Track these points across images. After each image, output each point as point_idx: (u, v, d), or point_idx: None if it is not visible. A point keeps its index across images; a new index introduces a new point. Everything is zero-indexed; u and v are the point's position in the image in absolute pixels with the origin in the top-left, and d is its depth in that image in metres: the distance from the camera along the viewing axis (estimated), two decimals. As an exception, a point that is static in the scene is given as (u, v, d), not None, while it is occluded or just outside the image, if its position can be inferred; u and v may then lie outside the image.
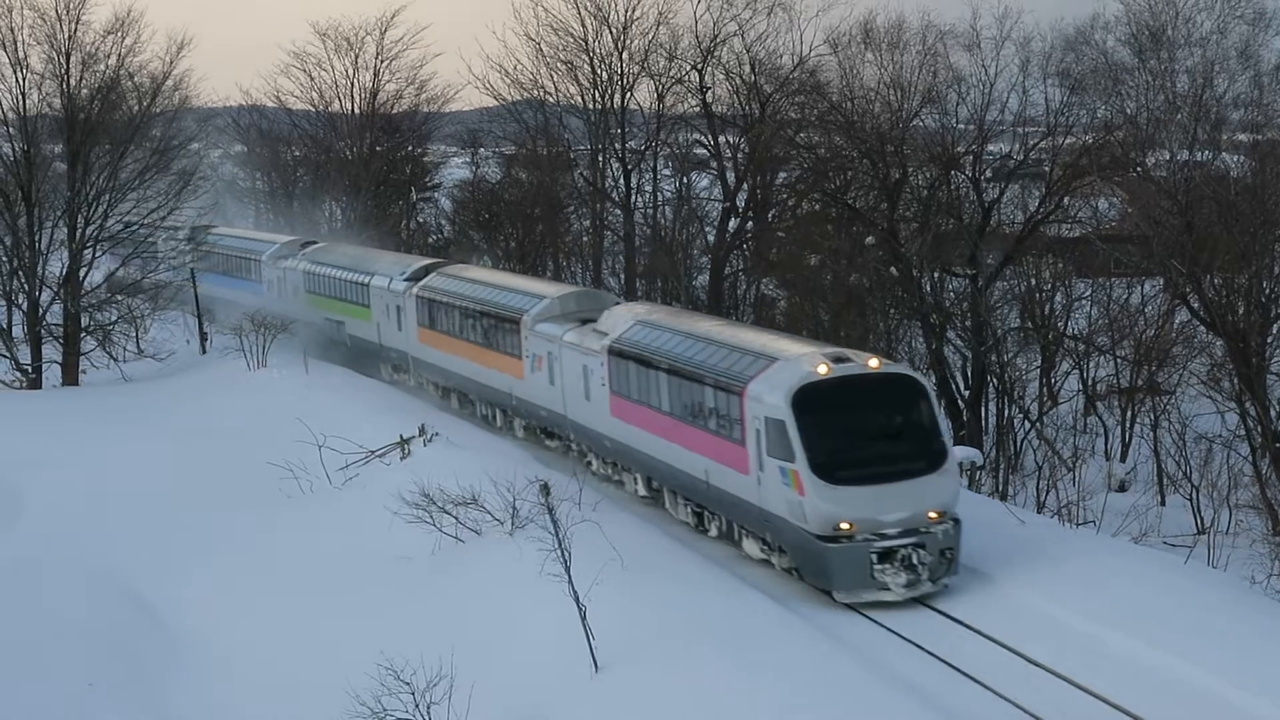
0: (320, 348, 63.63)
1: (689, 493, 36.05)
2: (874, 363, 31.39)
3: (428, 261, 58.91)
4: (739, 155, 71.71)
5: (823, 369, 30.61)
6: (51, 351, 67.91)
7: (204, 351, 70.82)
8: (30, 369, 66.65)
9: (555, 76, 79.06)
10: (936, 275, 59.60)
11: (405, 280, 56.38)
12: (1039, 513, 42.28)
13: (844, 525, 29.62)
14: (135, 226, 70.52)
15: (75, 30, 69.11)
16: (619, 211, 76.74)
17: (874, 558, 29.62)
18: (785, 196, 72.09)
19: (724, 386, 32.92)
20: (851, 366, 31.00)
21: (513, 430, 48.30)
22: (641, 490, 39.26)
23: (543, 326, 44.25)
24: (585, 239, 79.98)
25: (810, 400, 30.18)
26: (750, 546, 33.46)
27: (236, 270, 76.05)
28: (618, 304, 45.29)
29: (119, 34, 70.84)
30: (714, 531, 35.35)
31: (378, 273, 59.30)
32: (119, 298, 69.19)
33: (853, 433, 30.80)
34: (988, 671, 26.58)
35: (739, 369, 32.70)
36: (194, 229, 74.75)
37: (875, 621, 29.72)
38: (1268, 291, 50.85)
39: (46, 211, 67.78)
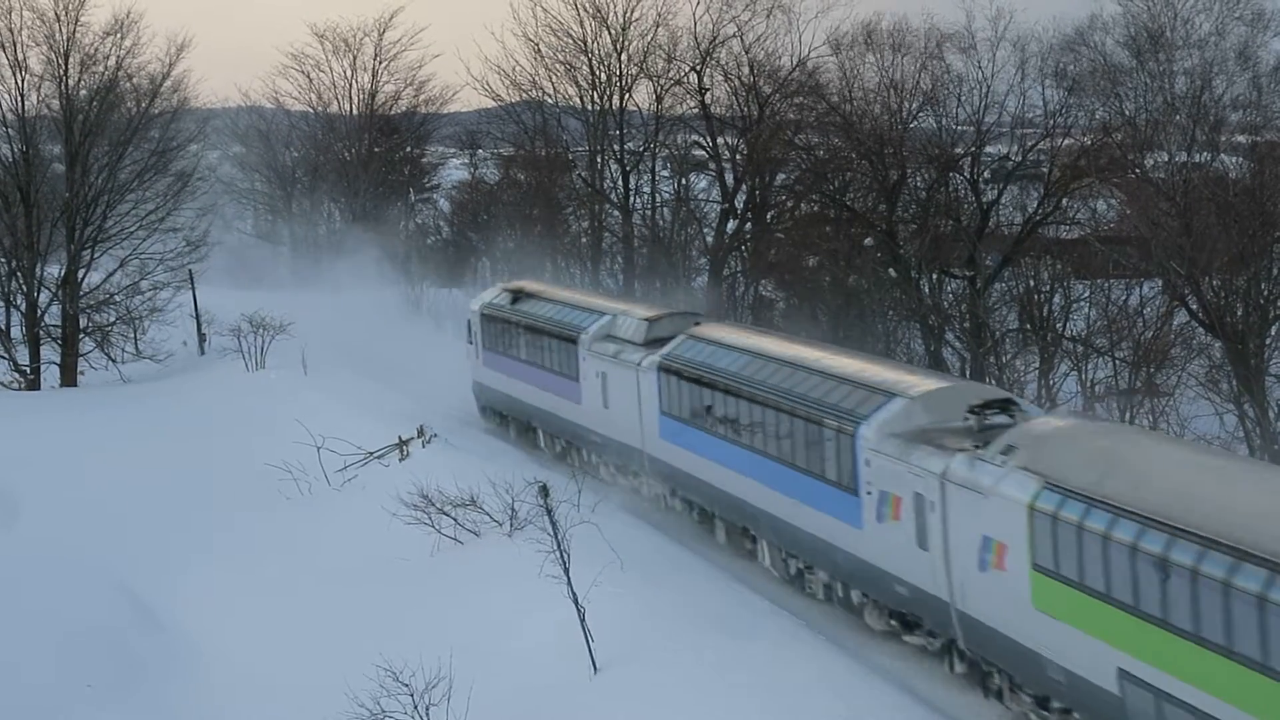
0: None
1: None
2: None
3: None
4: (737, 156, 71.72)
5: None
6: (50, 352, 67.89)
7: (202, 352, 70.79)
8: (29, 370, 66.63)
9: (554, 78, 79.17)
10: (935, 276, 59.60)
11: None
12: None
13: None
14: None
15: (74, 31, 69.28)
16: (617, 213, 76.75)
17: None
18: (784, 198, 72.09)
19: None
20: None
21: None
22: None
23: None
24: (584, 240, 79.97)
25: None
26: None
27: (758, 437, 33.73)
28: None
29: (118, 35, 71.04)
30: None
31: None
32: (117, 298, 69.12)
33: None
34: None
35: None
36: (670, 316, 41.19)
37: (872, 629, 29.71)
38: (1266, 293, 50.87)
39: (45, 212, 67.77)
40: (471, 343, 52.10)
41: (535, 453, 46.53)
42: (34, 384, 66.41)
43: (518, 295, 49.48)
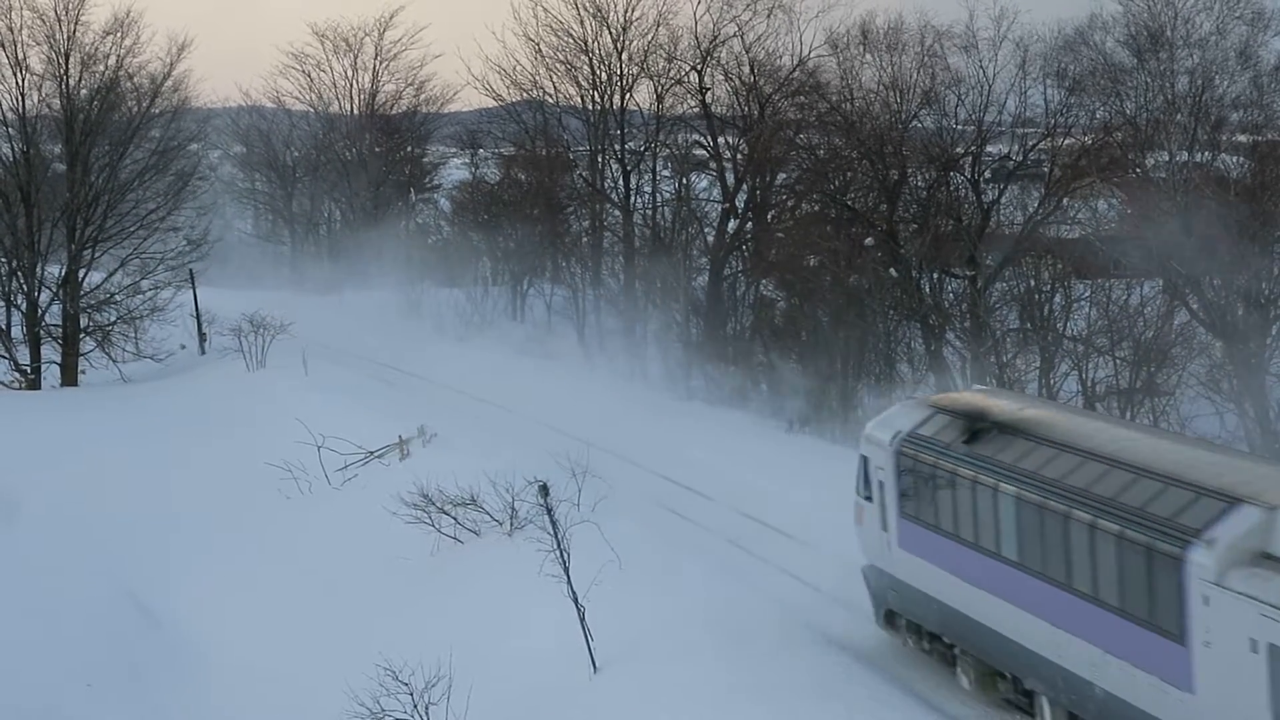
0: None
1: None
2: None
3: None
4: (738, 156, 71.71)
5: None
6: (50, 352, 67.93)
7: (203, 352, 70.83)
8: (29, 369, 66.66)
9: (554, 77, 79.20)
10: (936, 276, 59.58)
11: None
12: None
13: None
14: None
15: (75, 31, 69.38)
16: (618, 212, 76.72)
17: None
18: (784, 197, 72.07)
19: None
20: None
21: None
22: None
23: None
24: (584, 240, 79.96)
25: None
26: None
27: None
28: None
29: (118, 35, 71.19)
30: None
31: None
32: (117, 298, 69.14)
33: None
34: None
35: None
36: None
37: (874, 624, 29.68)
38: (1266, 293, 50.87)
39: (45, 212, 67.81)
40: (869, 498, 28.19)
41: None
42: (34, 384, 66.44)
43: (978, 426, 25.25)
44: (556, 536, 27.84)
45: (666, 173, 78.22)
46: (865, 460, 28.29)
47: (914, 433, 26.69)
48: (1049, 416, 25.04)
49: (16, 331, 67.63)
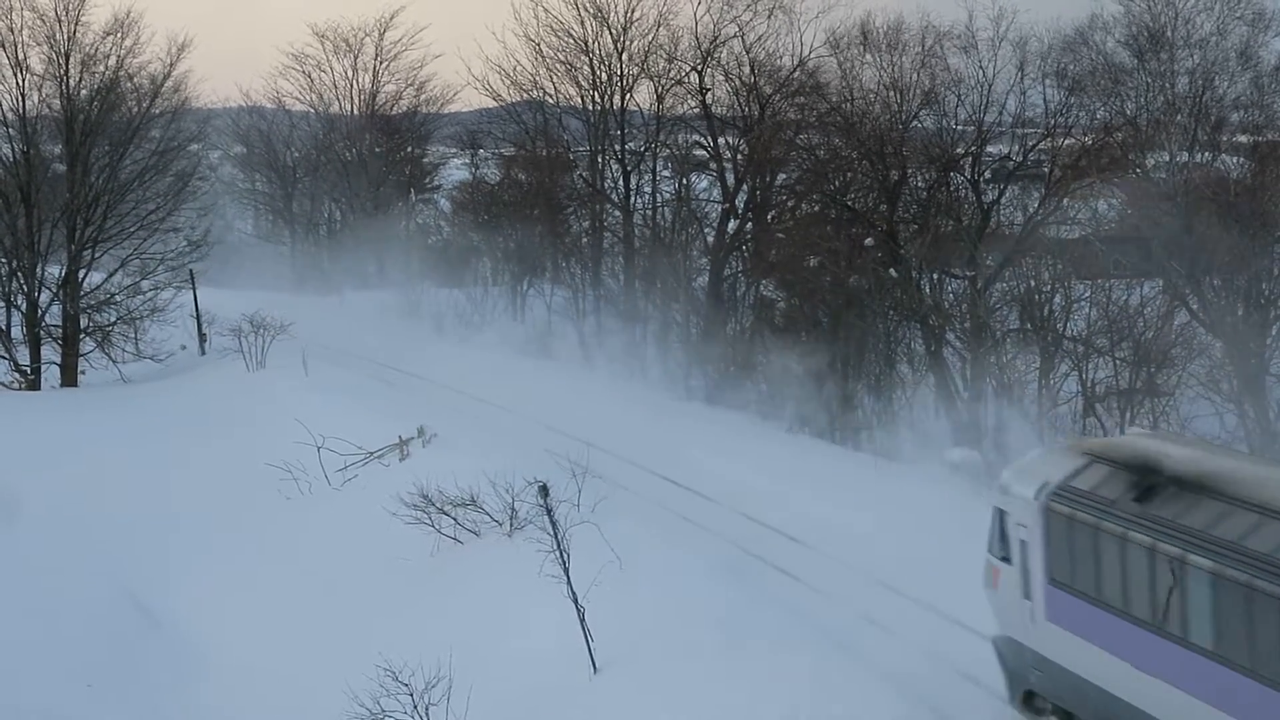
0: None
1: None
2: None
3: None
4: (738, 156, 71.68)
5: None
6: (50, 352, 67.92)
7: (203, 352, 70.84)
8: (29, 370, 66.66)
9: (555, 77, 79.20)
10: (936, 277, 59.57)
11: None
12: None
13: None
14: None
15: (75, 31, 69.35)
16: (618, 213, 76.72)
17: None
18: (785, 198, 72.03)
19: None
20: None
21: None
22: None
23: None
24: (584, 240, 79.97)
25: None
26: None
27: None
28: None
29: (118, 35, 71.18)
30: None
31: None
32: (117, 298, 69.12)
33: None
34: (988, 674, 26.53)
35: None
36: None
37: (878, 625, 29.68)
38: (1266, 293, 50.89)
39: (45, 213, 67.81)
40: (1005, 558, 23.59)
41: None
42: (34, 384, 66.43)
43: (1151, 480, 20.36)
44: (556, 537, 27.85)
45: (666, 173, 78.19)
46: (1001, 515, 23.46)
47: (1066, 485, 21.70)
48: (1240, 469, 19.85)
49: (16, 332, 67.58)
